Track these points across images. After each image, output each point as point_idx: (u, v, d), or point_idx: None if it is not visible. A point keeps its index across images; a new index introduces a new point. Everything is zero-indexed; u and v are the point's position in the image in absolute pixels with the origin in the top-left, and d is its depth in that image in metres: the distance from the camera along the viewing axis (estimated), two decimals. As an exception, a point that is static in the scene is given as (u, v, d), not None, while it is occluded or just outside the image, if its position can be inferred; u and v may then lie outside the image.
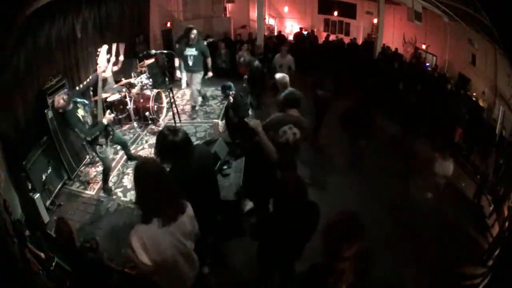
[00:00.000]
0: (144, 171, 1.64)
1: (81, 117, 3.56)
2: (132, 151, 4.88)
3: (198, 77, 5.60)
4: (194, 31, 5.21)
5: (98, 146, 3.68)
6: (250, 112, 3.85)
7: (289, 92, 3.11)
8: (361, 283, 1.33)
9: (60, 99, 3.39)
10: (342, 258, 1.30)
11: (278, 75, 3.82)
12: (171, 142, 1.96)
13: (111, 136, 3.85)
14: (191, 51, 5.33)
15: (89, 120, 3.69)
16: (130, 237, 1.60)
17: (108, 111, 3.83)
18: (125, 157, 4.76)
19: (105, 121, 3.62)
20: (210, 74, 5.70)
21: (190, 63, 5.40)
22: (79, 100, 3.66)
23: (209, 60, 5.59)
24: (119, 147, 5.00)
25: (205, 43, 6.34)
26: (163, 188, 1.63)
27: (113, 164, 4.58)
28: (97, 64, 3.90)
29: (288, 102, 2.92)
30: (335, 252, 1.33)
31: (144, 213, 1.64)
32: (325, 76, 5.50)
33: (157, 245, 1.60)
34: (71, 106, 3.48)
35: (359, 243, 1.32)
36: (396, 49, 7.72)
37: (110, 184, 4.10)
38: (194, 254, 1.87)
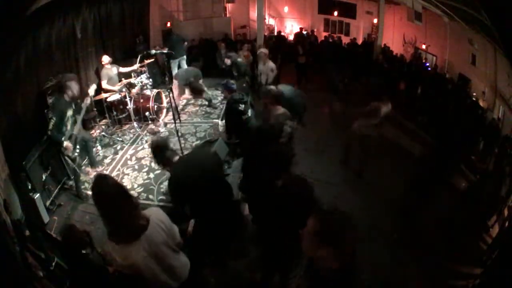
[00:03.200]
0: (99, 189, 1.58)
1: (67, 116, 3.51)
2: (132, 151, 4.90)
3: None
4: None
5: (67, 156, 3.64)
6: (249, 112, 3.85)
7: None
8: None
9: (75, 85, 3.43)
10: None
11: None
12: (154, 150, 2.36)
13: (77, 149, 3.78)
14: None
15: (69, 123, 3.61)
16: (103, 247, 1.59)
17: (70, 143, 3.60)
18: (124, 157, 4.77)
19: (64, 143, 3.53)
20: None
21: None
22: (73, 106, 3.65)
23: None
24: (118, 147, 5.01)
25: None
26: (118, 207, 1.55)
27: (113, 164, 4.59)
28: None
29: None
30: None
31: (108, 229, 1.60)
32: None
33: (127, 260, 1.57)
34: (68, 99, 3.47)
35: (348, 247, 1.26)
36: (388, 47, 7.75)
37: (84, 191, 4.05)
38: (175, 263, 1.79)
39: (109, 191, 1.56)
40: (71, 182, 4.16)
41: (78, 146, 3.74)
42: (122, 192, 1.61)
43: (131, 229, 1.58)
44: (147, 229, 1.61)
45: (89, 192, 4.05)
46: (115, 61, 5.60)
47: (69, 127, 3.60)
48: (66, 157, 3.65)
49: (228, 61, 5.74)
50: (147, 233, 1.61)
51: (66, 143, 3.52)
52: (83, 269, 2.16)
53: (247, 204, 3.19)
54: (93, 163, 4.40)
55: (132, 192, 3.96)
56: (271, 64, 5.67)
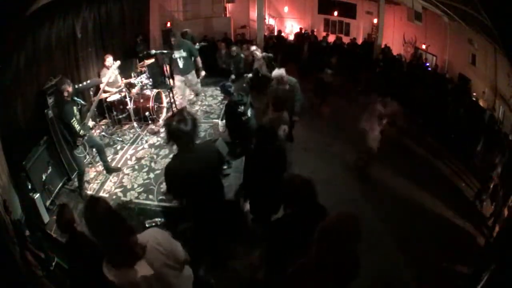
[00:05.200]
0: (91, 214, 1.49)
1: (75, 112, 3.65)
2: (132, 151, 4.90)
3: (192, 78, 5.48)
4: (173, 33, 5.16)
5: (76, 147, 3.78)
6: (249, 112, 3.86)
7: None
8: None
9: (69, 87, 3.56)
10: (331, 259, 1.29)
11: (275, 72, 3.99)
12: (177, 128, 2.07)
13: (86, 138, 3.90)
14: (179, 53, 5.11)
15: (77, 118, 3.73)
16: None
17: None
18: (124, 157, 4.77)
19: (91, 124, 3.79)
20: (203, 73, 5.60)
21: (181, 65, 5.20)
22: (76, 98, 3.76)
23: (198, 60, 5.39)
24: (118, 147, 5.01)
25: (198, 45, 6.45)
26: (111, 233, 1.48)
27: (113, 164, 4.59)
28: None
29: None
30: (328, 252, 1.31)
31: (104, 253, 1.53)
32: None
33: (125, 281, 1.51)
34: (70, 99, 3.59)
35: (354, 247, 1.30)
36: (388, 47, 7.76)
37: (86, 191, 4.08)
38: (177, 281, 1.72)
39: (101, 216, 1.48)
40: (71, 182, 4.16)
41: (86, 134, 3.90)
42: (115, 217, 1.53)
43: (126, 256, 1.50)
44: (142, 258, 1.53)
45: (90, 193, 4.07)
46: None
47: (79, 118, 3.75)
48: (80, 145, 3.75)
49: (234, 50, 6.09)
50: (145, 260, 1.54)
51: (91, 124, 3.88)
52: (79, 248, 2.13)
53: (248, 204, 3.20)
54: (107, 169, 4.45)
55: (132, 192, 4.02)
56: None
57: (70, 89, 3.57)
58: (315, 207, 2.05)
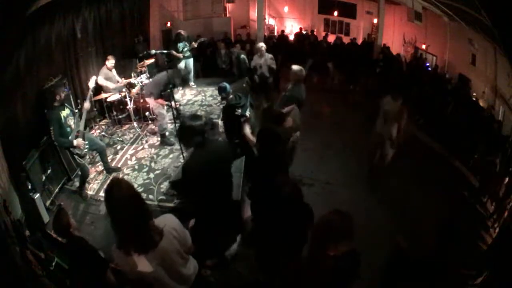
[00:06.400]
0: (112, 194, 1.46)
1: (63, 117, 3.55)
2: (132, 151, 4.89)
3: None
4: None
5: (76, 154, 3.72)
6: (248, 112, 3.85)
7: None
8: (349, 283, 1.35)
9: (62, 93, 3.54)
10: (327, 256, 1.32)
11: (294, 67, 3.85)
12: (190, 127, 2.17)
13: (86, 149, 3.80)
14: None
15: (72, 123, 3.66)
16: (111, 254, 1.51)
17: (80, 139, 3.68)
18: (124, 157, 4.77)
19: (74, 142, 3.60)
20: None
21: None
22: (67, 105, 3.74)
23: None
24: (118, 147, 5.01)
25: (195, 44, 6.39)
26: (131, 216, 1.45)
27: (113, 164, 4.58)
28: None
29: None
30: (321, 249, 1.34)
31: (118, 238, 1.50)
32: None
33: (134, 269, 1.49)
34: (58, 105, 3.55)
35: (347, 244, 1.33)
36: (388, 47, 7.75)
37: (86, 191, 4.05)
38: (184, 270, 1.72)
39: (123, 197, 1.45)
40: (71, 182, 4.16)
41: (86, 142, 3.78)
42: (137, 199, 1.51)
43: (143, 241, 1.49)
44: (158, 244, 1.52)
45: (90, 193, 4.07)
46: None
47: (73, 125, 3.66)
48: (76, 155, 3.70)
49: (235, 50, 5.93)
50: (161, 244, 1.53)
51: (76, 142, 3.60)
52: (77, 252, 2.13)
53: (249, 205, 3.21)
54: (107, 170, 4.41)
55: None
56: (268, 56, 5.56)
57: (62, 95, 3.55)
58: (304, 207, 2.08)
